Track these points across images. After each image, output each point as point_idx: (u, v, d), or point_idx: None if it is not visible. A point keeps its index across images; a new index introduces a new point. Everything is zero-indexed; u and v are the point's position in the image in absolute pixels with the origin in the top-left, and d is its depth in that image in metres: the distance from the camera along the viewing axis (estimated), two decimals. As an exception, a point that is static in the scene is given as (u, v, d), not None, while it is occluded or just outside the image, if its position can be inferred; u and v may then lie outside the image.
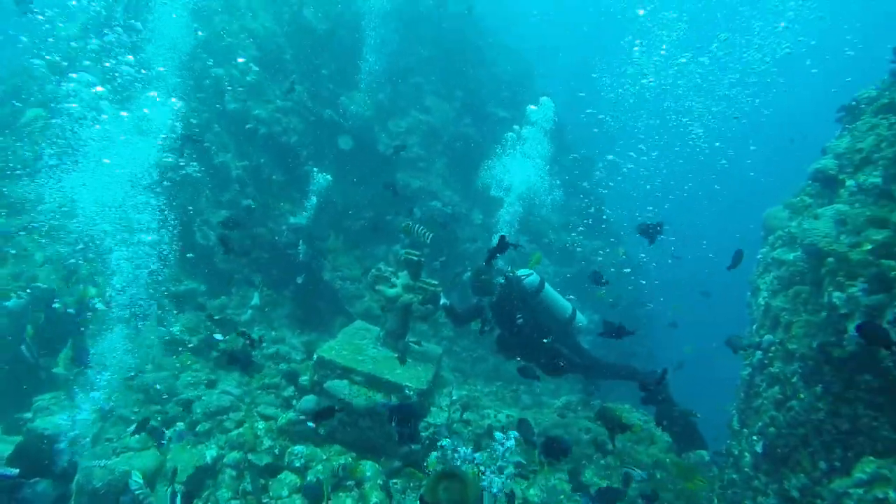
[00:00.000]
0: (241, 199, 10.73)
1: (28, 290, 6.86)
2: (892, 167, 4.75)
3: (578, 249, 15.43)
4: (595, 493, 5.02)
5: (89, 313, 7.01)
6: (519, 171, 10.85)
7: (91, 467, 5.17)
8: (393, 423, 5.06)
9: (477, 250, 13.82)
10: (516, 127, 11.77)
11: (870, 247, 4.32)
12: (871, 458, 4.18)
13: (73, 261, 8.08)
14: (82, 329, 6.87)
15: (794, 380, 5.13)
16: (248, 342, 6.29)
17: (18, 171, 9.65)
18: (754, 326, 6.60)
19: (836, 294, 4.56)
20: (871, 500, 3.92)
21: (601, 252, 16.17)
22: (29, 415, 6.22)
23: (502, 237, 5.75)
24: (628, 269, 15.60)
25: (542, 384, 9.83)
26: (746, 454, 5.83)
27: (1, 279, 7.78)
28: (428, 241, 7.74)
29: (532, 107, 11.69)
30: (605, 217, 18.56)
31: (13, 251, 8.34)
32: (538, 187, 12.27)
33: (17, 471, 3.65)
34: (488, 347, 11.88)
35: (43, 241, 8.51)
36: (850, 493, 4.11)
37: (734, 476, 5.98)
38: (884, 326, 3.89)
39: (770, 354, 5.83)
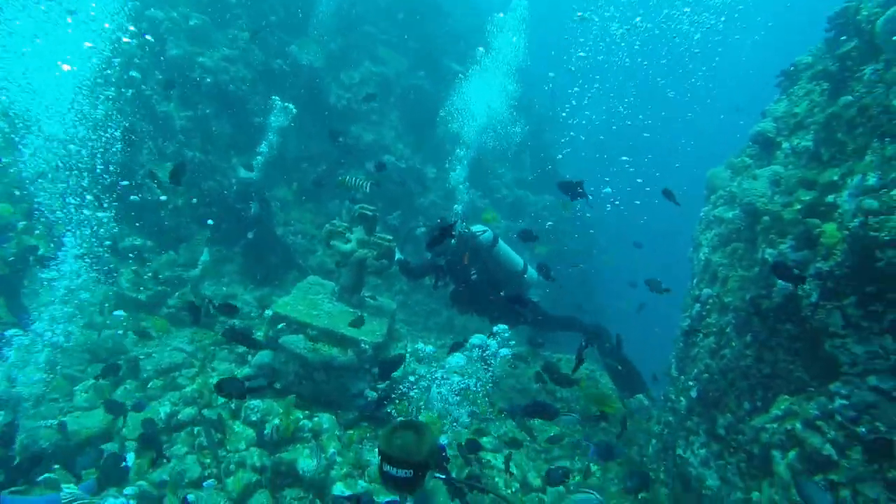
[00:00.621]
0: (186, 150, 10.24)
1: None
2: (822, 132, 5.03)
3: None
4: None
5: (29, 265, 6.63)
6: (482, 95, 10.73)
7: (36, 428, 5.04)
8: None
9: (431, 204, 13.85)
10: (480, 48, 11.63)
11: (798, 206, 4.63)
12: (786, 396, 4.62)
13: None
14: (21, 283, 6.52)
15: (728, 330, 5.53)
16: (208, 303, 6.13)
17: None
18: (695, 280, 7.00)
19: (769, 251, 4.89)
20: (783, 431, 4.36)
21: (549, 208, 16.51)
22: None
23: (445, 225, 5.85)
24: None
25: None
26: (682, 399, 6.30)
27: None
28: (367, 191, 7.67)
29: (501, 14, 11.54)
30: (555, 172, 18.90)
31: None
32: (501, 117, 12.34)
33: None
34: (441, 301, 12.14)
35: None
36: (767, 427, 4.55)
37: (671, 419, 6.47)
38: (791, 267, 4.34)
39: (707, 307, 6.23)
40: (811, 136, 5.20)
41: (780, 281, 4.69)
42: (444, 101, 15.96)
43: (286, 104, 10.72)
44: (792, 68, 6.35)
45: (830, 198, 4.51)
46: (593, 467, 6.41)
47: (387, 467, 2.48)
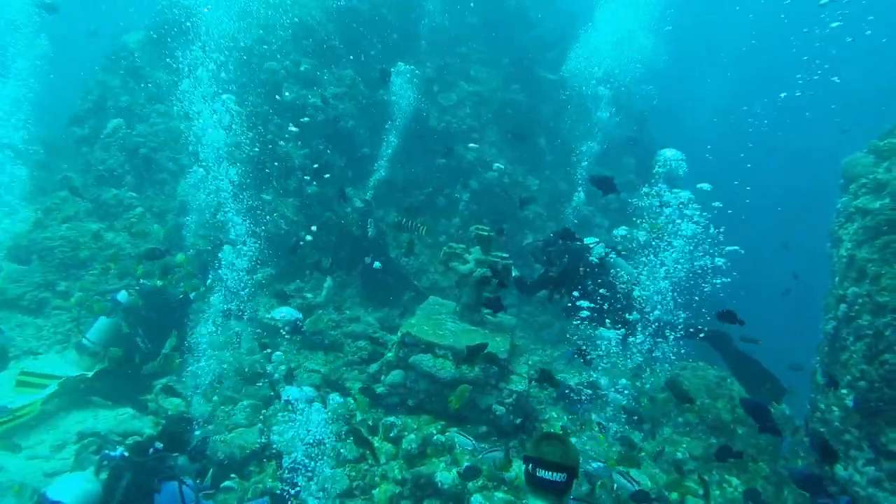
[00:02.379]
0: (305, 186, 11.18)
1: (137, 288, 7.51)
2: None
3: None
4: None
5: (193, 304, 7.62)
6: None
7: (214, 441, 5.79)
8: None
9: (536, 216, 13.88)
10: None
11: (969, 193, 4.14)
12: (974, 408, 4.12)
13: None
14: (186, 319, 7.50)
15: (888, 332, 5.03)
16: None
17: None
18: (837, 279, 6.43)
19: (931, 243, 4.41)
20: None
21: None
22: (151, 396, 6.95)
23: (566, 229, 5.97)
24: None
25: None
26: (834, 408, 5.79)
27: (110, 278, 8.61)
28: (423, 234, 8.05)
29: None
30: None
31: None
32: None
33: (162, 445, 4.14)
34: (553, 313, 12.07)
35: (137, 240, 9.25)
36: (951, 443, 4.08)
37: (821, 429, 5.96)
38: None
39: (857, 307, 5.70)
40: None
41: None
42: (540, 112, 16.02)
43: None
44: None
45: None
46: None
47: (541, 472, 2.62)
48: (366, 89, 12.65)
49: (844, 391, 5.63)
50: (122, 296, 7.44)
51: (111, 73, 11.59)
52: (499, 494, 5.39)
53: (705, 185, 7.92)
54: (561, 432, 6.19)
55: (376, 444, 6.05)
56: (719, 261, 6.93)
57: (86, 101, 11.52)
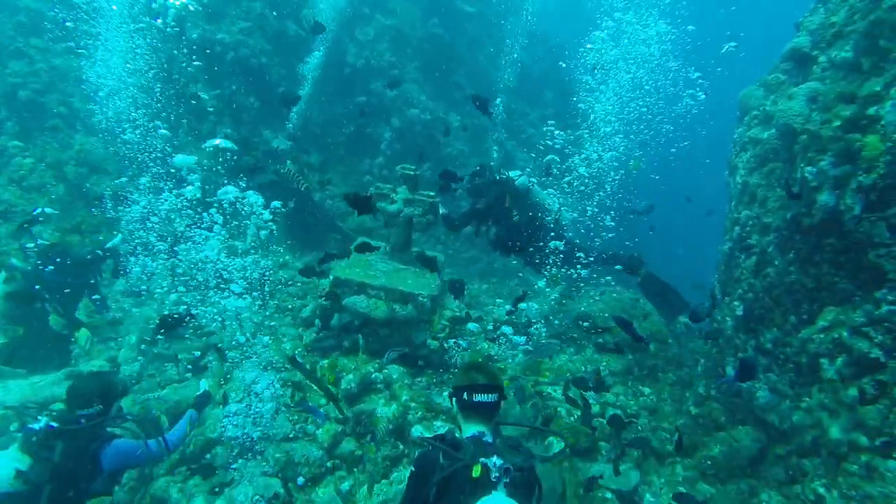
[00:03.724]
0: (219, 128, 10.52)
1: (34, 247, 6.92)
2: (863, 40, 4.96)
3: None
4: None
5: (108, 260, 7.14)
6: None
7: (146, 400, 5.69)
8: None
9: (459, 153, 13.96)
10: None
11: (838, 122, 4.66)
12: (832, 307, 4.84)
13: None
14: (100, 277, 7.07)
15: (770, 249, 5.70)
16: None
17: None
18: (733, 203, 7.09)
19: (808, 169, 4.97)
20: (830, 340, 4.61)
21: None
22: (71, 361, 6.63)
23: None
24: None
25: (533, 276, 10.59)
26: (728, 319, 6.56)
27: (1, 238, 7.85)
28: (302, 189, 8.02)
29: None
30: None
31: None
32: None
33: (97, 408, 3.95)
34: (480, 248, 12.48)
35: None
36: (814, 338, 4.81)
37: (718, 338, 6.76)
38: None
39: (748, 228, 6.36)
40: (850, 46, 5.12)
41: (821, 197, 4.81)
42: (460, 45, 15.73)
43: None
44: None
45: (872, 110, 4.53)
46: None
47: (478, 396, 2.87)
48: (276, 22, 11.80)
49: (736, 303, 6.38)
50: (18, 258, 6.86)
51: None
52: (438, 423, 5.75)
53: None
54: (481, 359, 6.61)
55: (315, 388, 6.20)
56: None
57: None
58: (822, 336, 4.55)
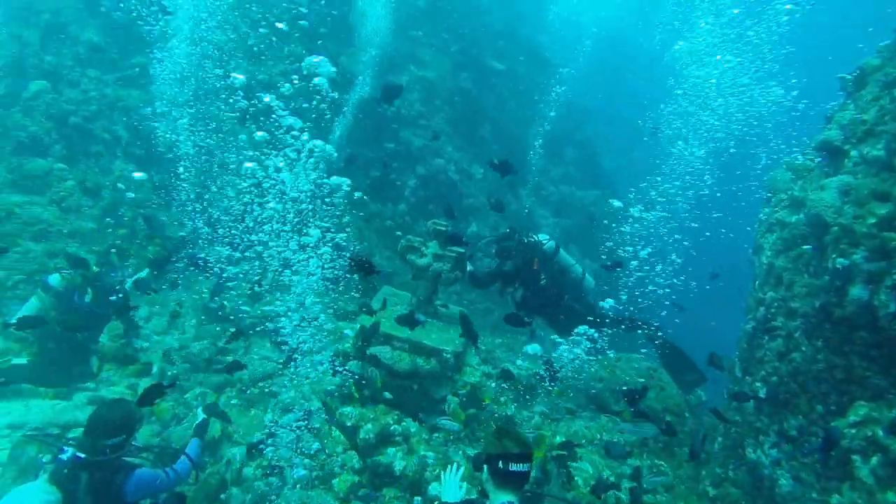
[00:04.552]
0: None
1: (71, 270, 7.05)
2: (894, 141, 5.16)
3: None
4: None
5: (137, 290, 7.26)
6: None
7: (170, 432, 5.69)
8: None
9: (482, 205, 14.21)
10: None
11: (873, 220, 4.80)
12: (863, 402, 4.84)
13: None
14: (133, 304, 7.16)
15: (797, 334, 5.74)
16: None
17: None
18: (757, 283, 7.17)
19: (840, 260, 5.07)
20: (863, 437, 4.60)
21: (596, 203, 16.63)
22: (92, 384, 6.65)
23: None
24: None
25: (546, 334, 10.63)
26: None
27: (37, 256, 8.00)
28: None
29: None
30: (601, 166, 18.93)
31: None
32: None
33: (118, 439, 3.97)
34: (494, 300, 12.54)
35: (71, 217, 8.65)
36: (844, 432, 4.79)
37: (737, 417, 6.71)
38: None
39: (773, 310, 6.42)
40: (882, 146, 5.32)
41: (853, 290, 4.89)
42: (487, 100, 16.27)
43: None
44: (858, 72, 6.41)
45: (906, 211, 4.66)
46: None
47: (514, 466, 2.91)
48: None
49: (759, 384, 6.37)
50: (55, 279, 6.97)
51: (28, 28, 10.54)
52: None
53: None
54: (507, 424, 6.57)
55: (334, 434, 6.18)
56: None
57: (-1, 58, 10.46)
58: (853, 431, 4.54)
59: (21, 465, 4.93)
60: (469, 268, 7.38)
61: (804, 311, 5.78)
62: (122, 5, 10.59)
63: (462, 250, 7.21)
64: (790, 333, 5.95)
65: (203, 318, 8.36)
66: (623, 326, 8.31)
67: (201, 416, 5.02)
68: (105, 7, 10.75)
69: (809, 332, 5.59)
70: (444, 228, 7.06)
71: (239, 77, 9.56)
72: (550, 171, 16.46)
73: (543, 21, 22.11)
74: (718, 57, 9.27)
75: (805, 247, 6.10)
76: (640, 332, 8.43)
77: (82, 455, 3.65)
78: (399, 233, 11.14)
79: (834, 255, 5.20)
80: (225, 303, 8.42)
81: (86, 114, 9.74)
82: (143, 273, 7.26)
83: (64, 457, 3.64)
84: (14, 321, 6.55)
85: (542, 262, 7.23)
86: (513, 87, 17.06)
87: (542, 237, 7.47)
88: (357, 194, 9.30)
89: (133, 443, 4.05)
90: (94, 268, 6.95)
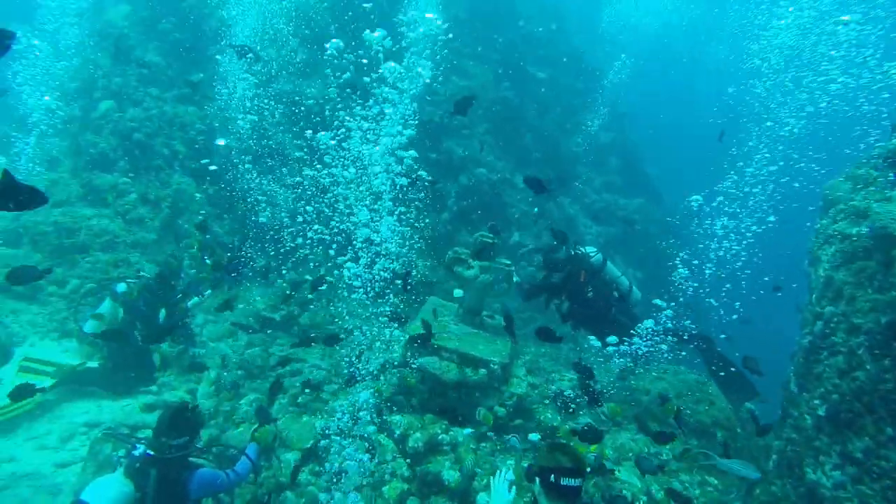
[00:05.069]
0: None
1: (135, 280, 7.47)
2: (966, 151, 4.93)
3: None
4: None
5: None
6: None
7: (227, 436, 5.96)
8: None
9: (522, 214, 14.22)
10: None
11: (944, 234, 4.60)
12: (935, 425, 4.62)
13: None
14: (186, 319, 7.52)
15: (860, 351, 5.53)
16: None
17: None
18: (814, 296, 6.93)
19: (907, 276, 4.87)
20: (935, 463, 4.40)
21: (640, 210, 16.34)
22: (155, 388, 7.02)
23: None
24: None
25: (586, 347, 10.56)
26: (807, 416, 6.31)
27: (101, 264, 8.51)
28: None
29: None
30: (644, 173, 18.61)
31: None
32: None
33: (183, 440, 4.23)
34: (536, 308, 12.50)
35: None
36: (915, 456, 4.59)
37: (794, 435, 6.49)
38: None
39: (832, 325, 6.20)
40: (952, 157, 5.09)
41: (922, 308, 4.69)
42: (529, 109, 16.27)
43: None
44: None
45: (979, 225, 4.45)
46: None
47: (566, 480, 2.94)
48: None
49: (817, 401, 6.15)
50: (122, 287, 7.40)
51: (101, 52, 11.25)
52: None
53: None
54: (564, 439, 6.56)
55: (384, 442, 6.31)
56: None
57: (74, 79, 11.17)
58: (924, 456, 4.35)
59: (99, 461, 5.26)
60: (515, 279, 7.42)
61: (868, 328, 5.56)
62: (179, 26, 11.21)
63: (508, 262, 7.27)
64: (852, 350, 5.73)
65: (256, 325, 8.68)
66: (671, 338, 8.17)
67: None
68: (164, 27, 11.39)
69: (875, 350, 5.38)
70: (490, 240, 7.13)
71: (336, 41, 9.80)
72: (594, 179, 16.31)
73: (589, 27, 22.00)
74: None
75: (869, 261, 5.88)
76: (690, 344, 8.29)
77: (151, 453, 3.95)
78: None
79: (901, 270, 5.00)
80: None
81: (148, 130, 10.31)
82: (199, 299, 7.63)
83: (136, 453, 3.98)
84: (87, 327, 7.02)
85: (589, 274, 7.20)
86: (555, 95, 17.02)
87: (590, 250, 7.44)
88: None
89: (197, 444, 4.35)
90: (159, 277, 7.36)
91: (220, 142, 9.84)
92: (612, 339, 7.32)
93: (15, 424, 6.14)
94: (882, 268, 5.45)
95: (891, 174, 5.88)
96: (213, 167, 9.60)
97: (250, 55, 8.84)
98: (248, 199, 9.85)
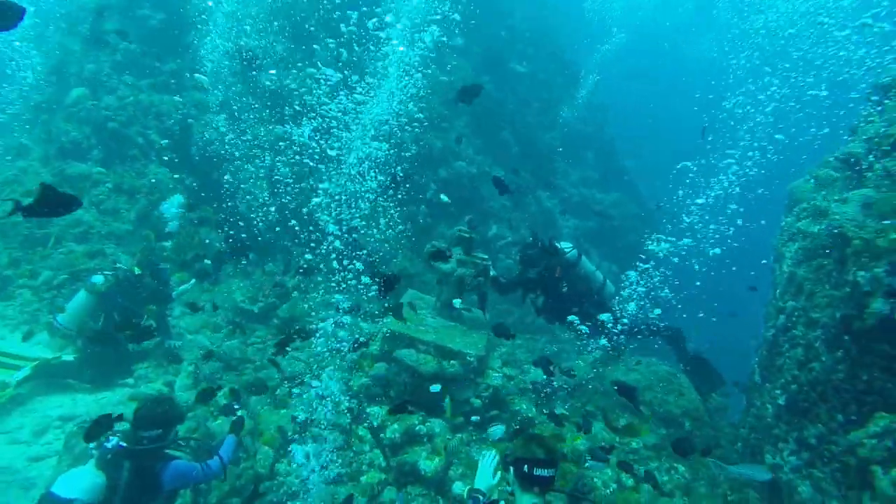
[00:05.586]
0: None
1: (112, 272, 7.39)
2: (918, 155, 5.21)
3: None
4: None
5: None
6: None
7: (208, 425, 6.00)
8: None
9: (500, 207, 14.36)
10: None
11: (895, 235, 4.86)
12: (884, 413, 4.91)
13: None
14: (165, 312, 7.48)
15: (817, 344, 5.81)
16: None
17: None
18: (778, 291, 7.23)
19: (861, 273, 5.15)
20: (884, 448, 4.68)
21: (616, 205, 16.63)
22: (131, 381, 7.00)
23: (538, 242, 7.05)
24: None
25: (567, 338, 10.79)
26: (768, 406, 6.61)
27: (77, 257, 8.39)
28: None
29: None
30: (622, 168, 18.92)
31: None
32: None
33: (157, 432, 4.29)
34: (512, 301, 12.69)
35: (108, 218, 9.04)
36: (864, 442, 4.87)
37: (756, 424, 6.80)
38: None
39: (793, 319, 6.49)
40: (906, 160, 5.37)
41: (874, 304, 4.97)
42: (509, 103, 16.38)
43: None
44: (888, 80, 6.42)
45: (928, 226, 4.73)
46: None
47: (538, 470, 3.09)
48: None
49: (778, 391, 6.45)
50: (98, 279, 7.31)
51: (71, 37, 10.98)
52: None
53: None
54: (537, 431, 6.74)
55: (361, 433, 6.42)
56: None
57: (45, 65, 10.90)
58: (874, 442, 4.62)
59: (75, 454, 5.26)
60: (492, 273, 7.56)
61: (825, 322, 5.84)
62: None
63: (485, 256, 7.40)
64: (810, 343, 6.02)
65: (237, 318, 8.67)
66: (643, 332, 8.43)
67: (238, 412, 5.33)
68: (141, 13, 11.16)
69: (829, 343, 5.66)
70: (467, 235, 7.25)
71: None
72: (570, 173, 16.53)
73: (570, 21, 22.11)
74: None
75: (827, 259, 6.17)
76: (659, 337, 8.56)
77: (125, 444, 3.99)
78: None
79: (854, 268, 5.27)
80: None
81: (122, 119, 10.13)
82: (188, 285, 7.58)
83: (109, 445, 4.01)
84: (61, 319, 6.95)
85: (564, 270, 7.37)
86: (535, 89, 17.16)
87: (566, 245, 7.61)
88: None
89: (172, 437, 4.41)
90: (137, 269, 7.30)
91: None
92: (584, 328, 7.54)
93: (-14, 418, 6.08)
94: (837, 265, 5.73)
95: (848, 173, 6.16)
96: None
97: (256, 62, 8.86)
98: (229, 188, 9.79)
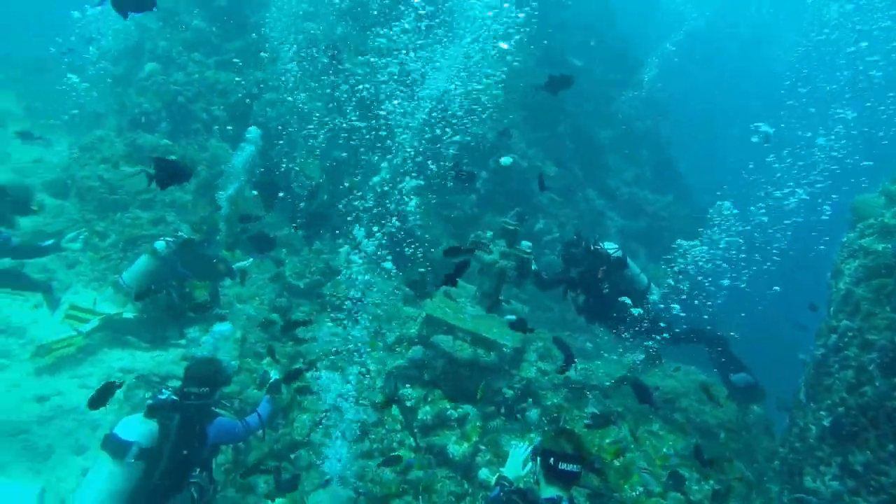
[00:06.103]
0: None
1: (173, 239, 7.80)
2: None
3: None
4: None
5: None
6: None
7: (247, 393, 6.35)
8: None
9: (550, 201, 14.23)
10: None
11: (968, 259, 4.59)
12: (938, 446, 4.69)
13: None
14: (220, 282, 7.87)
15: (871, 367, 5.57)
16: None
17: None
18: (832, 309, 6.93)
19: (926, 297, 4.89)
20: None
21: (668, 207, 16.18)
22: (184, 342, 7.44)
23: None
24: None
25: (603, 339, 10.66)
26: (812, 426, 6.39)
27: (142, 224, 8.93)
28: None
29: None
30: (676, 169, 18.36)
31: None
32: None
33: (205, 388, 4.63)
34: (553, 297, 12.61)
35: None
36: (914, 474, 4.68)
37: (797, 444, 6.58)
38: None
39: (846, 339, 6.22)
40: None
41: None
42: (565, 97, 16.12)
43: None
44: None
45: None
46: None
47: (563, 465, 3.14)
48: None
49: (823, 412, 6.22)
50: (160, 245, 7.74)
51: (149, 15, 11.57)
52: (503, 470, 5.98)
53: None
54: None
55: (394, 412, 6.62)
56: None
57: (126, 41, 11.54)
58: (922, 474, 4.43)
59: (133, 404, 5.70)
60: (534, 267, 7.56)
61: (882, 345, 5.59)
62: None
63: (529, 251, 7.40)
64: (863, 366, 5.77)
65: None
66: (684, 338, 8.24)
67: (274, 376, 5.64)
68: None
69: (885, 368, 5.42)
70: (512, 227, 7.28)
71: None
72: (624, 171, 16.18)
73: (630, 13, 21.52)
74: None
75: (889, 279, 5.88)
76: (702, 344, 8.33)
77: (175, 398, 4.39)
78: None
79: (920, 291, 5.01)
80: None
81: (189, 94, 10.64)
82: (247, 262, 7.95)
83: (162, 397, 4.39)
84: (125, 278, 7.41)
85: (608, 271, 7.29)
86: (591, 84, 16.82)
87: (610, 246, 7.51)
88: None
89: (219, 396, 4.78)
90: (195, 236, 7.70)
91: None
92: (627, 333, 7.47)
93: (60, 366, 6.63)
94: (902, 286, 5.45)
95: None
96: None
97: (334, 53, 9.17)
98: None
